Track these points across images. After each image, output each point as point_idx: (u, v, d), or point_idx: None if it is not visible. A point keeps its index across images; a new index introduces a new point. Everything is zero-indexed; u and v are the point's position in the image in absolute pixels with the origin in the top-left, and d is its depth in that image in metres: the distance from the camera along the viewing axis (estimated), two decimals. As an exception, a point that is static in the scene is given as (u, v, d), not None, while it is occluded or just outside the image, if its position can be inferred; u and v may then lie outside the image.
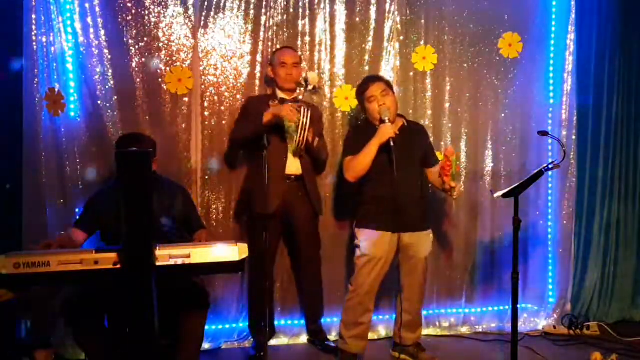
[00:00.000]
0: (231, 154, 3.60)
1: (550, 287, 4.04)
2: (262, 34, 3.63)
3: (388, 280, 3.31)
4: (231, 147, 3.56)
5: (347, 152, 3.19)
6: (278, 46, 3.62)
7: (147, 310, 2.03)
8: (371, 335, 3.72)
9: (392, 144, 3.03)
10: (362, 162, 3.07)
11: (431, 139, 3.86)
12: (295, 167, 3.34)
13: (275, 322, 3.67)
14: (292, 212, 3.38)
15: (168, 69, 3.51)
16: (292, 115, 3.16)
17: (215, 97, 3.60)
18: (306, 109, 3.16)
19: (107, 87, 3.41)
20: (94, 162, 3.40)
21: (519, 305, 2.96)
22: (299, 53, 3.61)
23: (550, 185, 4.03)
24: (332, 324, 3.70)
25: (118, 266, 2.11)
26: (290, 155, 3.31)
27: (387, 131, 3.03)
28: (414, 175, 3.22)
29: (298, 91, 3.41)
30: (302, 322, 3.70)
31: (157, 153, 3.00)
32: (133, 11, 3.46)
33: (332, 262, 3.71)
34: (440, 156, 3.51)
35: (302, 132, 3.16)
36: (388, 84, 3.25)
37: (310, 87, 3.20)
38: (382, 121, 3.09)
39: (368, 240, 3.13)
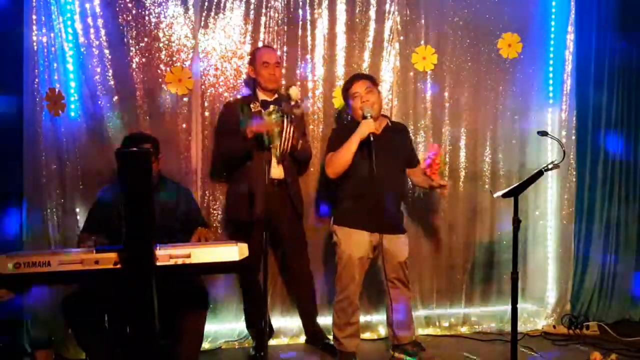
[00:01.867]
0: (221, 168, 3.57)
1: (550, 287, 4.04)
2: (262, 34, 3.64)
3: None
4: (219, 162, 3.55)
5: (329, 148, 3.20)
6: (278, 46, 3.64)
7: (147, 310, 2.04)
8: (371, 335, 3.74)
9: (371, 139, 3.02)
10: (343, 157, 3.06)
11: (431, 139, 3.89)
12: (278, 172, 3.33)
13: (275, 323, 3.67)
14: (276, 216, 3.34)
15: (168, 69, 3.52)
16: (273, 129, 3.07)
17: (216, 98, 3.60)
18: (288, 119, 3.15)
19: (107, 87, 3.41)
20: (94, 162, 3.40)
21: (518, 305, 2.96)
22: (293, 53, 3.63)
23: (550, 185, 4.03)
24: (331, 323, 3.69)
25: (118, 266, 2.11)
26: (273, 160, 3.26)
27: (368, 126, 3.04)
28: (395, 176, 3.23)
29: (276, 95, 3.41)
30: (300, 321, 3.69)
31: (160, 152, 3.01)
32: (133, 11, 3.46)
33: (327, 262, 3.70)
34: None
35: (286, 141, 3.18)
36: (373, 82, 3.26)
37: (292, 103, 3.18)
38: (364, 117, 3.09)
39: (346, 239, 3.15)
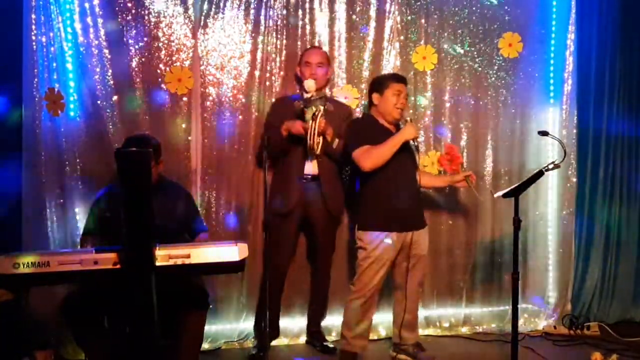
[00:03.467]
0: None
1: (551, 287, 4.03)
2: (261, 33, 3.63)
3: (389, 280, 3.32)
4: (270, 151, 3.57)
5: (359, 141, 3.14)
6: (278, 46, 3.64)
7: (147, 310, 2.03)
8: (371, 335, 3.71)
9: (415, 143, 3.13)
10: (385, 153, 3.07)
11: (431, 140, 3.89)
12: (313, 167, 3.36)
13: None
14: (309, 213, 3.39)
15: (168, 68, 3.51)
16: (301, 130, 3.20)
17: (215, 97, 3.59)
18: (318, 113, 3.17)
19: (106, 86, 3.40)
20: (93, 162, 3.39)
21: (519, 306, 2.96)
22: (293, 53, 3.61)
23: (550, 185, 4.02)
24: (332, 324, 3.69)
25: (118, 266, 2.11)
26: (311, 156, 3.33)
27: (414, 130, 3.11)
28: (416, 175, 3.25)
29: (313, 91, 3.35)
30: (302, 322, 3.69)
31: (162, 154, 3.00)
32: (133, 11, 3.45)
33: (334, 263, 3.68)
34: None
35: (312, 136, 3.17)
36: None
37: (308, 95, 3.21)
38: (405, 121, 3.18)
39: (375, 243, 3.12)
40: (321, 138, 3.25)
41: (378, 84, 3.28)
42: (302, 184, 3.35)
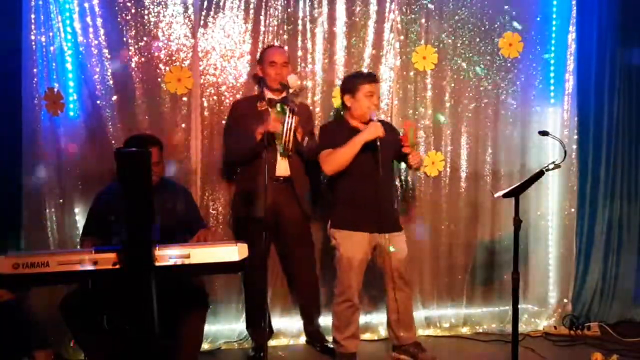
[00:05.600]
0: (230, 168, 3.57)
1: (551, 287, 4.02)
2: (261, 33, 3.63)
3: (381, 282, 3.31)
4: (229, 163, 3.55)
5: (323, 145, 3.16)
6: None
7: (147, 310, 2.03)
8: (371, 336, 3.73)
9: (378, 143, 3.03)
10: (345, 155, 3.05)
11: (431, 140, 3.89)
12: (284, 169, 3.32)
13: (275, 323, 3.66)
14: (281, 214, 3.36)
15: (167, 68, 3.51)
16: (277, 126, 3.16)
17: (215, 97, 3.59)
18: (293, 109, 3.15)
19: (106, 86, 3.40)
20: (93, 162, 3.39)
21: (519, 306, 2.95)
22: (293, 52, 3.59)
23: (551, 185, 4.02)
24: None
25: (118, 266, 2.10)
26: (278, 157, 3.29)
27: (377, 129, 3.04)
28: (390, 173, 3.22)
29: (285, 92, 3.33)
30: (301, 322, 3.68)
31: (164, 155, 3.00)
32: (132, 11, 3.45)
33: (324, 263, 3.66)
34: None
35: (288, 132, 3.16)
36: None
37: (291, 91, 3.17)
38: (371, 119, 3.11)
39: (345, 242, 3.13)
40: (292, 136, 3.23)
41: (350, 85, 3.22)
42: (274, 186, 3.28)
